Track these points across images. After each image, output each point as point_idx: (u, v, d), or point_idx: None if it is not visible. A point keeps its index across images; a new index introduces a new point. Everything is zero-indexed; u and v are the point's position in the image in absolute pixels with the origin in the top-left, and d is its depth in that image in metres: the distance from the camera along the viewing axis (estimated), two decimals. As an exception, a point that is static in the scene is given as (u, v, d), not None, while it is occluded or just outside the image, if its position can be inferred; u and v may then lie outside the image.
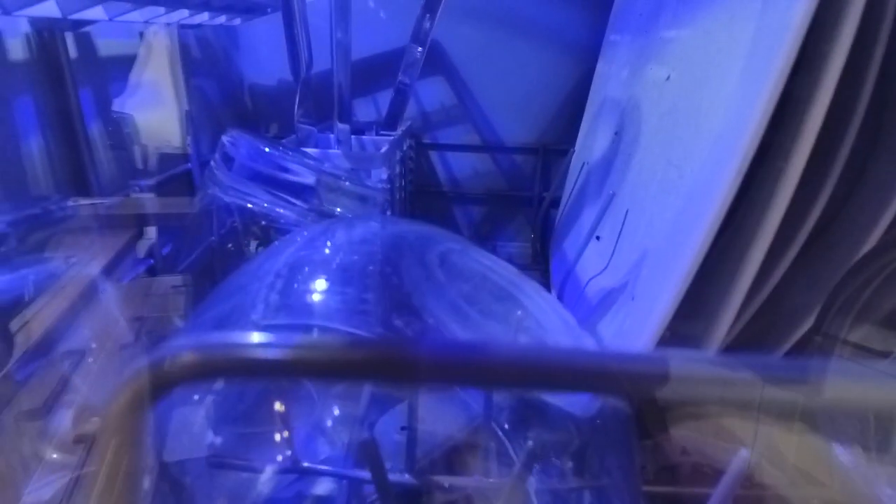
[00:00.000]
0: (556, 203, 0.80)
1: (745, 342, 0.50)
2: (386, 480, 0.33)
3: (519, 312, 0.36)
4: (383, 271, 0.33)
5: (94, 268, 0.45)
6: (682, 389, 0.16)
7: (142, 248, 0.56)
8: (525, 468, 0.33)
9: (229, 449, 0.45)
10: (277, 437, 0.45)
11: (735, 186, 0.36)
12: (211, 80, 0.78)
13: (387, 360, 0.14)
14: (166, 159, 0.64)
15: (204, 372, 0.15)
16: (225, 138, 0.47)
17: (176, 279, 0.53)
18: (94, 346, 0.44)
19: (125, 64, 0.61)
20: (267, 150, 0.45)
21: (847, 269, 0.45)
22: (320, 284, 0.33)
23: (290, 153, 0.47)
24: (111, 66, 0.60)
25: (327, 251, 0.34)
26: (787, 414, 0.49)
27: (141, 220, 0.55)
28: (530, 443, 0.31)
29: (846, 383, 0.17)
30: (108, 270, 0.47)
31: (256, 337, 0.15)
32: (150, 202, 0.58)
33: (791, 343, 0.48)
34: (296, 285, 0.33)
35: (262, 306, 0.40)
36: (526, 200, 0.86)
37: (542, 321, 0.36)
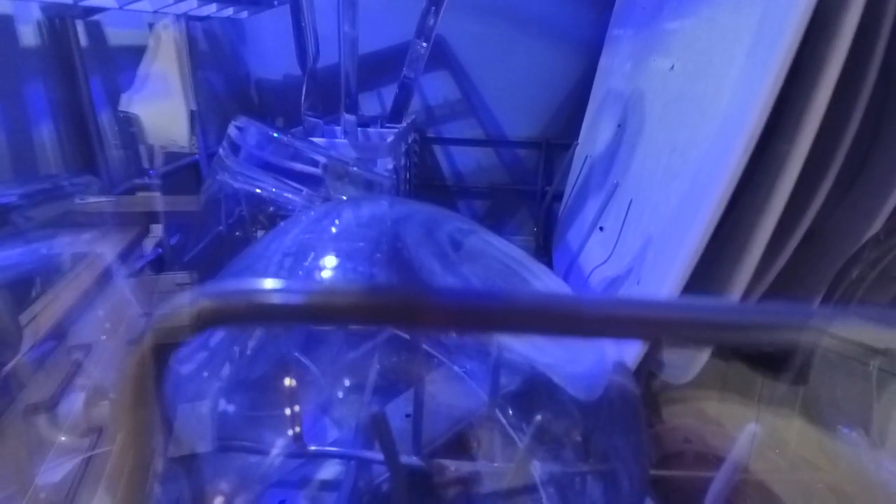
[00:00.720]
0: (559, 197, 0.81)
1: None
2: (396, 455, 0.33)
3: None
4: (392, 248, 0.33)
5: (101, 263, 0.45)
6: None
7: (148, 245, 0.56)
8: (530, 449, 0.33)
9: (236, 432, 0.46)
10: (285, 421, 0.46)
11: (740, 168, 0.36)
12: (218, 74, 0.79)
13: (407, 306, 0.14)
14: (172, 159, 0.65)
15: (223, 318, 0.15)
16: (233, 124, 0.47)
17: (182, 276, 0.53)
18: (100, 340, 0.45)
19: (134, 54, 0.61)
20: (275, 135, 0.46)
21: (848, 257, 0.45)
22: (329, 262, 0.33)
23: (298, 140, 0.48)
24: (121, 55, 0.61)
25: (334, 230, 0.35)
26: (789, 400, 0.50)
27: (148, 218, 0.56)
28: (538, 417, 0.32)
29: None
30: (115, 266, 0.47)
31: (274, 283, 0.15)
32: (157, 200, 0.58)
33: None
34: (305, 263, 0.34)
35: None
36: (529, 194, 0.87)
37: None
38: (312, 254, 0.36)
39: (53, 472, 0.36)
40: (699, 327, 0.15)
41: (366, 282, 0.32)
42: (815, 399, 0.48)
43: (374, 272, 0.32)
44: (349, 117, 0.61)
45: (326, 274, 0.33)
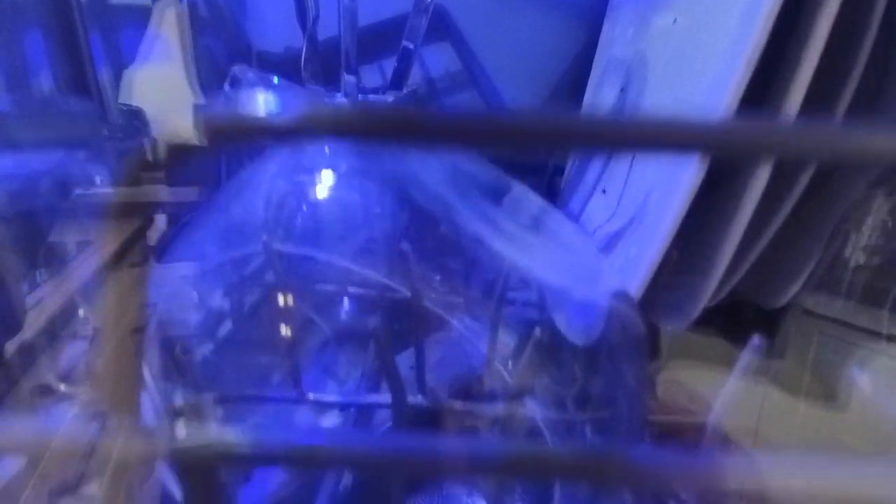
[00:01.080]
0: (560, 170, 0.80)
1: (746, 293, 0.49)
2: (401, 384, 0.33)
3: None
4: (393, 175, 0.33)
5: (104, 253, 0.45)
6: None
7: (152, 236, 0.56)
8: (531, 360, 0.33)
9: (237, 383, 0.46)
10: (285, 371, 0.45)
11: (739, 95, 0.36)
12: (220, 48, 0.78)
13: (405, 121, 0.14)
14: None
15: (226, 134, 0.15)
16: (234, 69, 0.47)
17: (186, 266, 0.53)
18: (104, 329, 0.44)
19: (133, 14, 0.61)
20: (276, 80, 0.46)
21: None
22: (326, 179, 0.33)
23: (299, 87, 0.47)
24: (120, 16, 0.61)
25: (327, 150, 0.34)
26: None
27: (151, 208, 0.56)
28: (537, 330, 0.31)
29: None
30: (119, 255, 0.47)
31: (275, 99, 0.15)
32: (159, 191, 0.58)
33: (787, 298, 0.48)
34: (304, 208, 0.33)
35: (268, 230, 0.40)
36: (530, 167, 0.86)
37: (559, 232, 0.36)
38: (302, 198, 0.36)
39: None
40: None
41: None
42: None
43: (373, 190, 0.32)
44: (350, 78, 0.61)
45: (322, 193, 0.33)
